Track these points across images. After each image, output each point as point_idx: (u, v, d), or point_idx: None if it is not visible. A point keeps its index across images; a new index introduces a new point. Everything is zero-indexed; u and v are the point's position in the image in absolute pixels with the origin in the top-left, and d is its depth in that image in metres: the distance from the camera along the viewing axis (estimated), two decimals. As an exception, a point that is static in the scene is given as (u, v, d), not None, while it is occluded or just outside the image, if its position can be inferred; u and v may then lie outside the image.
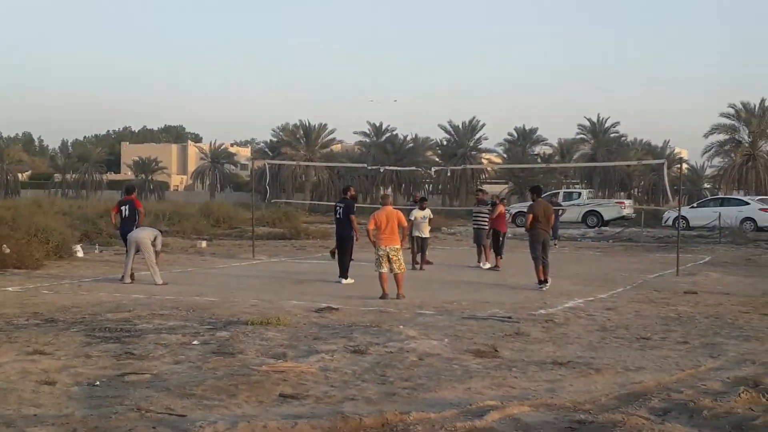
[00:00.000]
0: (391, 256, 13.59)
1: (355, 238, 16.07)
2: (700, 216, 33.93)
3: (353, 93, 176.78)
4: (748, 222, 33.47)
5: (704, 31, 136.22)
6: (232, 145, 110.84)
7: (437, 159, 78.01)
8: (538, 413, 6.63)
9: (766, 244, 28.21)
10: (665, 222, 36.12)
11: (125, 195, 17.47)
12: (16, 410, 6.32)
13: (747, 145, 61.14)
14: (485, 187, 75.88)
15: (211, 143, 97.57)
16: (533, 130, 79.60)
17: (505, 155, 77.24)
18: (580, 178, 75.32)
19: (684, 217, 34.84)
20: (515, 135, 79.32)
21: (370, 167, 51.88)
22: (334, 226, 16.76)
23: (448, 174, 68.07)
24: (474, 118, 78.09)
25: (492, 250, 19.40)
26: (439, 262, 20.50)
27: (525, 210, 16.02)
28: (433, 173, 60.04)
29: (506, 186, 72.20)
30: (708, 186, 78.92)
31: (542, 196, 16.62)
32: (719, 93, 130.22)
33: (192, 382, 7.35)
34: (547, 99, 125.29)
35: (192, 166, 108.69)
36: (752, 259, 22.69)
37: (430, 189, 79.51)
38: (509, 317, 11.50)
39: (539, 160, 75.19)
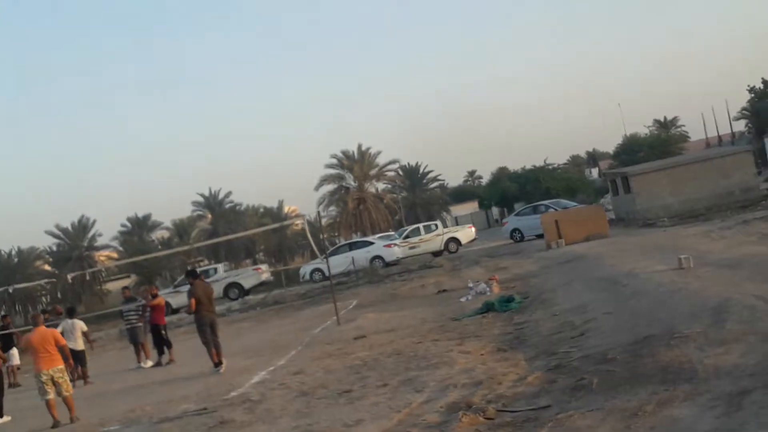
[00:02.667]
0: (55, 379, 12.29)
1: None
2: (334, 264, 35.38)
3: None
4: (378, 260, 35.80)
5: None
6: None
7: (50, 268, 73.16)
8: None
9: (398, 276, 30.35)
10: (303, 278, 37.34)
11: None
12: None
13: (355, 189, 65.78)
14: (111, 285, 72.88)
15: None
16: (147, 217, 78.28)
17: (122, 248, 74.79)
18: (206, 254, 75.30)
19: (319, 269, 36.44)
20: (129, 225, 77.33)
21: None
22: None
23: (70, 281, 64.05)
24: (83, 216, 74.75)
25: (155, 346, 18.38)
26: (97, 371, 18.99)
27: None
28: (46, 285, 56.14)
29: (131, 278, 69.86)
30: (326, 235, 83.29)
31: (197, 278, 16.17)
32: (326, 147, 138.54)
33: None
34: (157, 182, 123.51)
35: None
36: (394, 293, 24.18)
37: (48, 299, 74.25)
38: (204, 409, 10.95)
39: (159, 246, 73.84)
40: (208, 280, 36.48)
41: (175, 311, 32.81)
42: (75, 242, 73.24)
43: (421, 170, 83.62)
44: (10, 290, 50.46)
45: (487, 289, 18.23)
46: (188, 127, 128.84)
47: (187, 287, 19.76)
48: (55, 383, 12.29)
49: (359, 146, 67.27)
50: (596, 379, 8.09)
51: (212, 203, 77.98)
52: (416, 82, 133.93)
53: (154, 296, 18.75)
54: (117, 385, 16.26)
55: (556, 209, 33.99)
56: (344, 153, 66.71)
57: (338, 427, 8.32)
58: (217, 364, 14.72)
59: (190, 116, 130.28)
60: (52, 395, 12.27)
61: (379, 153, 67.90)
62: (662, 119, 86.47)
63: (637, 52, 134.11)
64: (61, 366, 12.53)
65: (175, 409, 11.40)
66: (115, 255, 75.05)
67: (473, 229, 41.58)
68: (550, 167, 66.74)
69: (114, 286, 72.70)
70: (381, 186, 70.91)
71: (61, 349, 12.59)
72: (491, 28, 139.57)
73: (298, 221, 40.97)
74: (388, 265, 35.57)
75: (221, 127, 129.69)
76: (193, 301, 14.97)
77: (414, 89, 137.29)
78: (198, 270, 39.99)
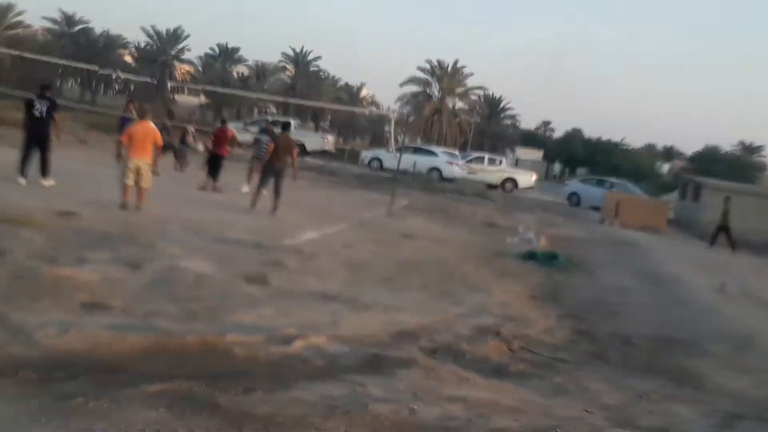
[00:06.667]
0: (140, 170, 13.32)
1: (55, 136, 15.04)
2: (394, 160, 36.22)
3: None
4: (435, 171, 36.45)
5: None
6: None
7: (131, 61, 74.57)
8: (335, 344, 7.22)
9: (451, 194, 31.01)
10: (361, 162, 38.20)
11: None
12: None
13: (436, 100, 65.96)
14: (179, 98, 74.40)
15: None
16: (236, 49, 79.08)
17: (201, 69, 75.92)
18: (276, 106, 76.24)
19: (378, 159, 37.25)
20: (217, 51, 78.22)
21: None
22: (30, 123, 14.69)
23: (150, 80, 65.51)
24: (179, 27, 75.65)
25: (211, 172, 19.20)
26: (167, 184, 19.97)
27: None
28: (120, 76, 57.36)
29: (200, 100, 71.26)
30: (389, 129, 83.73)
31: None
32: (418, 49, 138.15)
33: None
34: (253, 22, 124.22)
35: None
36: (444, 209, 24.87)
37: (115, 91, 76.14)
38: (259, 244, 11.87)
39: (238, 80, 74.82)
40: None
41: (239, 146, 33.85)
42: (163, 47, 74.33)
43: (501, 104, 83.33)
44: (121, 76, 51.83)
45: (535, 239, 18.85)
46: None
47: (260, 134, 20.71)
48: (139, 173, 13.33)
49: (455, 62, 67.35)
50: (616, 355, 8.85)
51: (299, 60, 78.33)
52: (534, 21, 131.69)
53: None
54: (182, 192, 17.26)
55: (620, 190, 34.26)
56: (439, 62, 66.76)
57: (379, 306, 9.16)
58: (273, 209, 15.70)
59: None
60: (131, 182, 13.31)
61: (471, 75, 67.91)
62: (749, 143, 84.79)
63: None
64: (149, 161, 13.58)
65: (232, 235, 12.35)
66: (191, 71, 76.32)
67: (534, 176, 41.83)
68: (624, 147, 66.32)
69: (183, 98, 74.34)
70: (460, 105, 70.98)
71: (155, 148, 13.67)
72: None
73: (375, 109, 41.50)
74: (443, 180, 36.21)
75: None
76: (272, 145, 16.04)
77: (529, 24, 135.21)
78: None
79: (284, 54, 78.73)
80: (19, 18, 73.28)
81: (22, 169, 14.32)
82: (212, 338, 6.56)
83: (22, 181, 14.14)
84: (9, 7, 71.68)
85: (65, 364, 5.56)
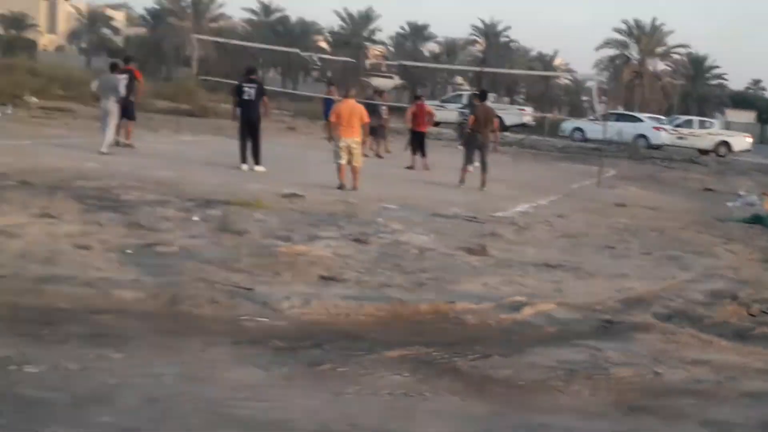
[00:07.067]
0: (351, 149, 13.72)
1: (265, 119, 15.69)
2: (597, 129, 35.25)
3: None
4: (642, 139, 35.15)
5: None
6: (109, 7, 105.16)
7: (326, 45, 76.88)
8: (565, 311, 7.14)
9: (660, 161, 29.85)
10: (562, 132, 37.46)
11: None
12: (82, 272, 6.29)
13: (636, 62, 63.44)
14: (374, 80, 75.96)
15: (86, 2, 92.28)
16: (425, 26, 79.61)
17: (392, 49, 77.06)
18: (468, 79, 76.16)
19: (580, 129, 36.38)
20: (407, 29, 79.10)
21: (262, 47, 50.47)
22: (239, 108, 15.46)
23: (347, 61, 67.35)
24: (370, 8, 77.18)
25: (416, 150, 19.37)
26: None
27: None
28: (317, 60, 59.00)
29: (393, 79, 72.41)
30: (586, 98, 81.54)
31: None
32: (611, 9, 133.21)
33: (228, 258, 7.45)
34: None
35: (61, 26, 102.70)
36: (654, 176, 24.00)
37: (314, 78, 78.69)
38: (474, 217, 11.93)
39: (429, 56, 75.39)
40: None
41: (437, 124, 34.11)
42: (356, 29, 76.15)
43: (706, 62, 78.75)
44: (318, 59, 53.68)
45: (758, 202, 17.77)
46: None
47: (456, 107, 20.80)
48: (350, 152, 13.74)
49: (653, 19, 64.31)
50: None
51: (489, 32, 77.70)
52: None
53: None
54: (390, 172, 17.65)
55: None
56: (636, 21, 64.11)
57: (603, 273, 8.97)
58: (482, 184, 15.70)
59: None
60: (344, 161, 13.75)
61: (671, 32, 64.74)
62: None
63: None
64: (359, 139, 13.96)
65: (446, 211, 12.48)
66: (384, 52, 77.69)
67: (749, 138, 39.36)
68: None
69: (377, 81, 75.84)
70: (661, 67, 67.88)
71: (363, 126, 14.01)
72: None
73: (571, 75, 40.49)
74: (651, 147, 34.84)
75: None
76: (472, 118, 16.07)
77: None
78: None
79: (474, 27, 78.37)
80: (220, 11, 77.42)
81: (243, 156, 15.15)
82: (443, 306, 6.68)
83: (245, 167, 14.96)
84: (212, -1, 75.77)
85: (310, 333, 5.84)
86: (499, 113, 38.41)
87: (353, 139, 13.78)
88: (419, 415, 4.59)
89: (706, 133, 37.78)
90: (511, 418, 4.68)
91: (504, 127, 37.41)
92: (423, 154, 19.20)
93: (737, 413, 5.11)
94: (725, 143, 37.70)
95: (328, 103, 20.63)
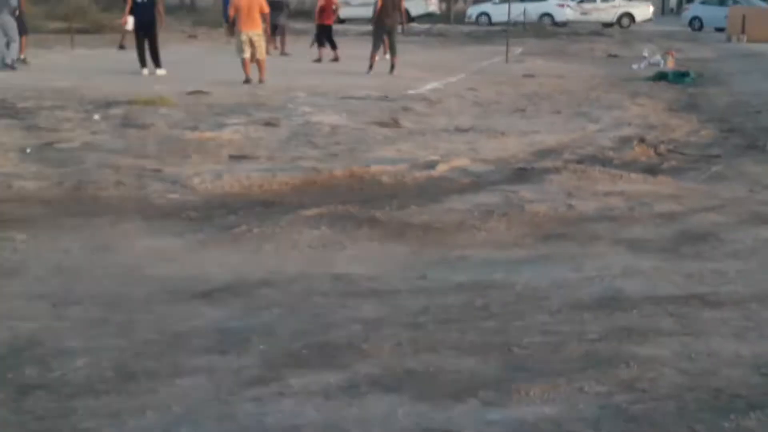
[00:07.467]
0: (253, 41, 13.34)
1: (159, 23, 15.13)
2: (503, 12, 35.05)
3: None
4: (547, 17, 35.20)
5: None
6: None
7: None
8: (479, 165, 7.19)
9: (566, 36, 30.01)
10: (468, 18, 37.25)
11: None
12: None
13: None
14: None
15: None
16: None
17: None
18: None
19: (486, 13, 36.26)
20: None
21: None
22: (134, 10, 14.59)
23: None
24: None
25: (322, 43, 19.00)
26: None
27: None
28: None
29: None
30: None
31: None
32: None
33: (132, 147, 7.23)
34: None
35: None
36: (561, 50, 24.11)
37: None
38: (385, 96, 11.83)
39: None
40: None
41: (342, 21, 33.47)
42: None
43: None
44: None
45: (662, 61, 18.06)
46: None
47: None
48: (252, 45, 13.37)
49: None
50: (770, 144, 8.45)
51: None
52: None
53: None
54: (297, 67, 17.30)
55: (745, 5, 32.20)
56: None
57: (515, 132, 9.05)
58: (391, 68, 15.54)
59: None
60: (247, 55, 13.35)
61: None
62: None
63: None
64: (259, 31, 13.55)
65: (357, 93, 12.33)
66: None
67: (651, 8, 39.76)
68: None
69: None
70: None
71: (263, 17, 13.59)
72: None
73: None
74: (556, 24, 34.97)
75: None
76: (380, 3, 15.70)
77: None
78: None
79: None
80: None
81: (142, 60, 14.64)
82: (358, 170, 6.65)
83: (145, 71, 14.45)
84: None
85: (223, 203, 5.76)
86: (406, 4, 38.18)
87: (254, 31, 13.38)
88: (339, 261, 4.59)
89: (609, 6, 37.99)
90: (431, 254, 4.72)
91: (410, 18, 37.12)
92: (333, 46, 18.85)
93: (649, 231, 5.26)
94: (628, 14, 38.02)
95: (225, 1, 19.89)
